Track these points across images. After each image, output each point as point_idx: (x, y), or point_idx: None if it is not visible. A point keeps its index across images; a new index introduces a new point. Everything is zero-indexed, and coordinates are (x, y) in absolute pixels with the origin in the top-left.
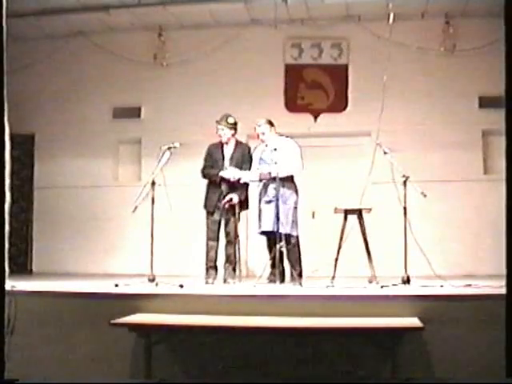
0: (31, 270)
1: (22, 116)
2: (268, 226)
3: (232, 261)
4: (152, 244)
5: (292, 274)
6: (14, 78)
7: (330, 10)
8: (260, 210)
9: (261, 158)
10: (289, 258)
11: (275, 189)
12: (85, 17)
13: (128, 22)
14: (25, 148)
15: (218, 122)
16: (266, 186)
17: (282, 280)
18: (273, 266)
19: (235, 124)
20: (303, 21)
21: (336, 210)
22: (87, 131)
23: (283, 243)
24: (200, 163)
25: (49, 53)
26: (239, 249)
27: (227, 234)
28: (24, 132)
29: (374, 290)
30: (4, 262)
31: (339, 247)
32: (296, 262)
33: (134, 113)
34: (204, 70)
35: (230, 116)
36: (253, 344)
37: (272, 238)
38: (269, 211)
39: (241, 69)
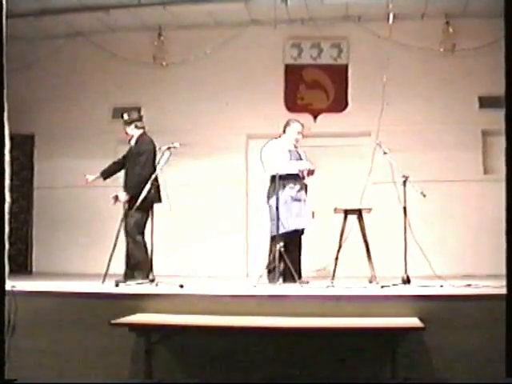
0: (31, 269)
1: (21, 116)
2: (305, 224)
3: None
4: (152, 244)
5: (292, 274)
6: (14, 78)
7: (330, 10)
8: (293, 208)
9: (299, 157)
10: (296, 256)
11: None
12: (84, 17)
13: (128, 22)
14: (24, 148)
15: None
16: (300, 185)
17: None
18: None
19: (129, 120)
20: (303, 21)
21: (336, 210)
22: (87, 131)
23: (282, 243)
24: (200, 163)
25: (48, 53)
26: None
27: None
28: (24, 132)
29: (374, 290)
30: (4, 261)
31: (339, 247)
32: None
33: None
34: (204, 70)
35: (124, 113)
36: (252, 344)
37: (293, 237)
38: (304, 209)
39: (240, 69)
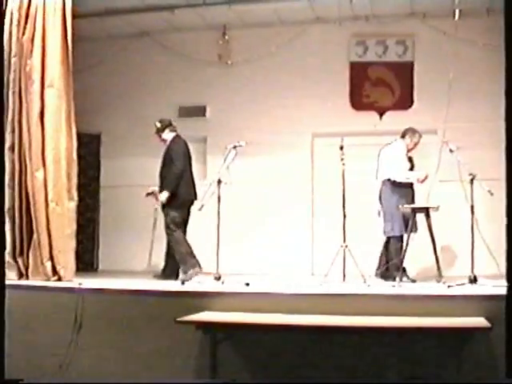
0: (97, 267)
1: (88, 116)
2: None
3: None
4: (218, 242)
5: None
6: (80, 79)
7: (395, 6)
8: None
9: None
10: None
11: None
12: (150, 17)
13: (193, 21)
14: (91, 147)
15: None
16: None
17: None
18: (387, 261)
19: (162, 127)
20: (367, 18)
21: (403, 208)
22: (152, 131)
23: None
24: (265, 161)
25: (114, 53)
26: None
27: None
28: (90, 131)
29: (440, 289)
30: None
31: (406, 246)
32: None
33: (200, 112)
34: (268, 69)
35: (156, 121)
36: (317, 343)
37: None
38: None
39: (305, 67)
